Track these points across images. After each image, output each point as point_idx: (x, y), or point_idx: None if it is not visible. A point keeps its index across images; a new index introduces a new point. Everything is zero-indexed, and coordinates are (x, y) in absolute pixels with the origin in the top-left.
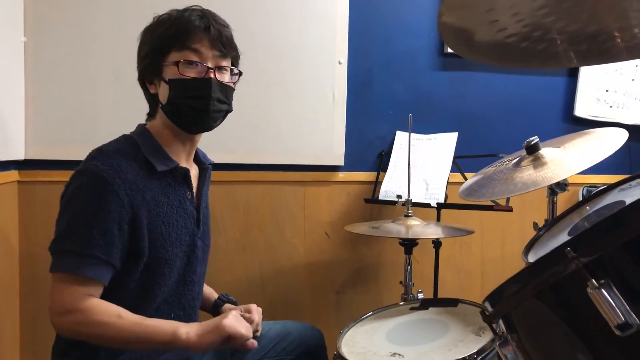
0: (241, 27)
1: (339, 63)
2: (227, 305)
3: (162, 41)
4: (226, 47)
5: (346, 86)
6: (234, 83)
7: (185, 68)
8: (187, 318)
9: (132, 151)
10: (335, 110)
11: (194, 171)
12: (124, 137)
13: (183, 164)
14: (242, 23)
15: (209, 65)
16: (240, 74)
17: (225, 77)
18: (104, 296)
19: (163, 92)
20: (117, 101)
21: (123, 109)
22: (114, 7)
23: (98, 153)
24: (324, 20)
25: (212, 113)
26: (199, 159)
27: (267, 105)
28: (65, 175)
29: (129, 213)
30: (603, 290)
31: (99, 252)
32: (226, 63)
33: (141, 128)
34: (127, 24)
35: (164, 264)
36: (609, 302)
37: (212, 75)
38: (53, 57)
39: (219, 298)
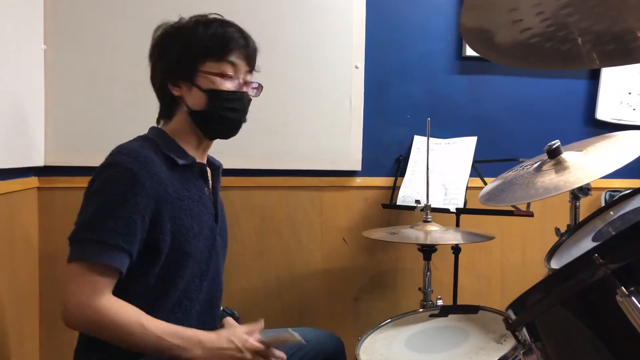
0: (258, 33)
1: (356, 67)
2: (229, 319)
3: (202, 49)
4: (255, 63)
5: (363, 91)
6: (254, 96)
7: (224, 80)
8: (205, 313)
9: (152, 147)
10: (352, 114)
11: (207, 170)
12: (140, 137)
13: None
14: (260, 29)
15: (242, 79)
16: (261, 87)
17: (250, 91)
18: (124, 291)
19: (195, 99)
20: (135, 108)
21: (141, 116)
22: (134, 15)
23: (122, 148)
24: (341, 25)
25: (240, 124)
26: (210, 161)
27: (284, 110)
28: (84, 182)
29: (152, 205)
30: (633, 298)
31: (121, 242)
32: (251, 78)
33: (156, 129)
34: (146, 31)
35: (186, 256)
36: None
37: (244, 89)
38: (72, 64)
39: (223, 310)
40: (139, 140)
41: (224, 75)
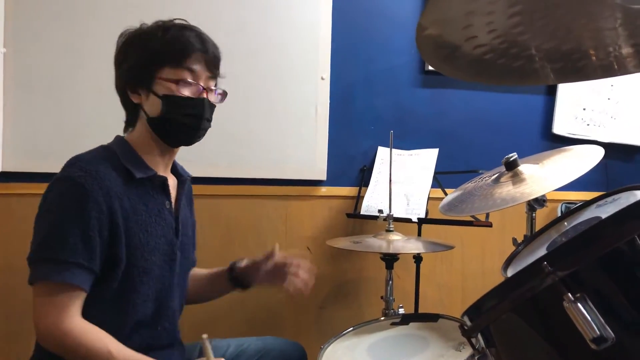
0: (226, 43)
1: (322, 79)
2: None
3: (159, 56)
4: (217, 69)
5: (329, 102)
6: (217, 102)
7: (182, 87)
8: (172, 331)
9: (109, 159)
10: (317, 125)
11: (172, 182)
12: (101, 147)
13: (161, 174)
14: (228, 39)
15: (203, 85)
16: (225, 94)
17: (213, 98)
18: (83, 308)
19: (152, 106)
20: (98, 113)
21: (105, 122)
22: (97, 19)
23: (75, 160)
24: (308, 37)
25: (200, 131)
26: (177, 172)
27: (251, 119)
28: (43, 188)
29: (108, 219)
30: (579, 304)
31: (81, 259)
32: (214, 84)
33: (119, 139)
34: (110, 35)
35: (142, 272)
36: (585, 315)
37: (205, 96)
38: (33, 68)
39: (230, 267)
40: (97, 151)
41: (181, 82)
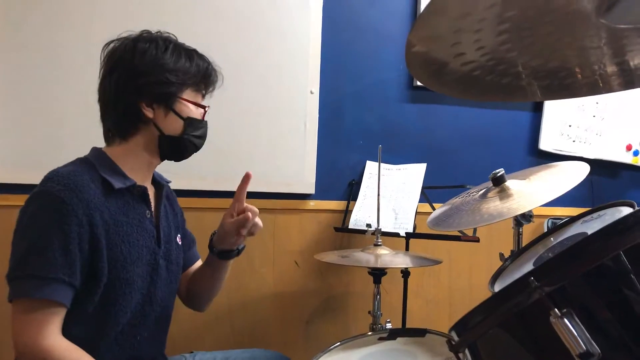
0: (214, 55)
1: (311, 93)
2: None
3: (187, 79)
4: None
5: (318, 116)
6: None
7: (200, 109)
8: (153, 339)
9: (88, 171)
10: (306, 139)
11: (151, 191)
12: (79, 160)
13: (140, 184)
14: (218, 51)
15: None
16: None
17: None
18: (64, 321)
19: (172, 124)
20: (79, 126)
21: (86, 134)
22: (81, 31)
23: (53, 174)
24: (298, 50)
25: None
26: (155, 180)
27: (239, 133)
28: (22, 200)
29: (88, 232)
30: (565, 320)
31: (61, 274)
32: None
33: (96, 151)
34: (94, 48)
35: (124, 284)
36: (571, 331)
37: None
38: (14, 79)
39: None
40: (73, 164)
41: (200, 106)
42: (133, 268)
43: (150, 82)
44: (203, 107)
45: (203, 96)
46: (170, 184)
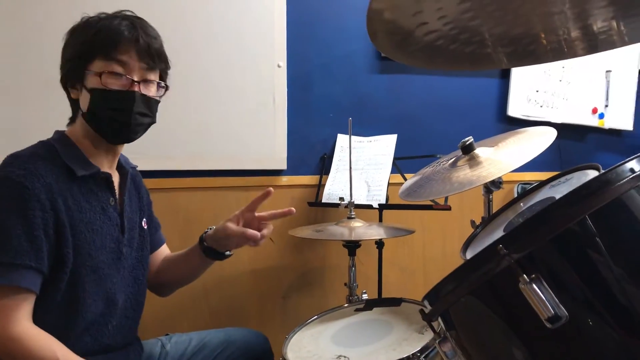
0: (179, 32)
1: (278, 66)
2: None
3: (88, 47)
4: (154, 59)
5: (286, 90)
6: (160, 96)
7: (109, 79)
8: (124, 327)
9: (49, 156)
10: (276, 113)
11: (116, 178)
12: (41, 143)
13: (105, 170)
14: (180, 27)
15: (135, 78)
16: (166, 88)
17: (151, 90)
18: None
19: (84, 100)
20: (43, 108)
21: (50, 117)
22: (44, 9)
23: (13, 159)
24: (262, 23)
25: (133, 126)
26: (121, 165)
27: (207, 110)
28: None
29: (53, 217)
30: (534, 285)
31: (28, 260)
32: (154, 76)
33: (59, 134)
34: (57, 26)
35: (90, 271)
36: (540, 296)
37: (136, 89)
38: None
39: (200, 238)
40: (35, 147)
41: (112, 74)
42: (98, 255)
43: (64, 61)
44: (118, 75)
45: (121, 63)
46: (138, 167)
